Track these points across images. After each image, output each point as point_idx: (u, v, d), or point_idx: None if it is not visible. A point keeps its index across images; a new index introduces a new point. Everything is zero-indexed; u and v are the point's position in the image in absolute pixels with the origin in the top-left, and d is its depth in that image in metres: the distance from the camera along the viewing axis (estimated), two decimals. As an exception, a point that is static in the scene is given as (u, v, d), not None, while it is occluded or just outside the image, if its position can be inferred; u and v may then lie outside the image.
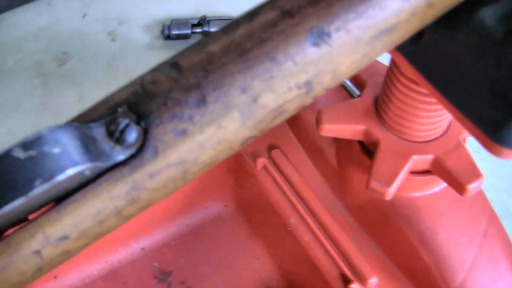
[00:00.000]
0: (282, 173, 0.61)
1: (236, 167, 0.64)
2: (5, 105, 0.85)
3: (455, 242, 0.53)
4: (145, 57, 0.90)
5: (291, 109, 0.35)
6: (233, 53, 0.33)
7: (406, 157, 0.51)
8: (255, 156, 0.62)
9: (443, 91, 0.39)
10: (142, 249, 0.67)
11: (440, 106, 0.48)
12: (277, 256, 0.65)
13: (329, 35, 0.33)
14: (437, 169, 0.51)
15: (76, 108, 0.84)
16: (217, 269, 0.66)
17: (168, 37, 0.90)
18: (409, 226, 0.54)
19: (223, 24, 0.89)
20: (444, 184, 0.54)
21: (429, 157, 0.51)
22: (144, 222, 0.66)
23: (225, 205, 0.69)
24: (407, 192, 0.54)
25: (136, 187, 0.34)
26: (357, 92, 0.60)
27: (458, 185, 0.50)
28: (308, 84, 0.34)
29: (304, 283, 0.61)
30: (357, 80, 0.58)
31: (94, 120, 0.34)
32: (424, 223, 0.54)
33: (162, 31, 0.91)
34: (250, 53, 0.33)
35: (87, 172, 0.32)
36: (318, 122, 0.53)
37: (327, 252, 0.57)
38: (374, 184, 0.50)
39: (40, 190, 0.31)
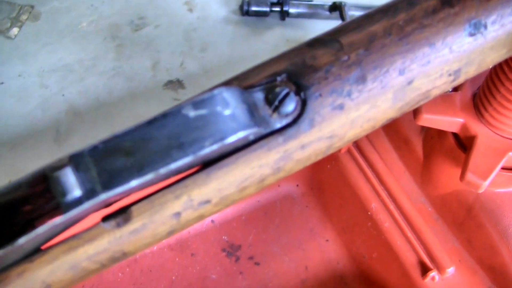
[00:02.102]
0: (365, 158, 0.63)
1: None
2: (79, 66, 0.87)
3: (537, 240, 0.56)
4: (221, 30, 0.92)
5: (434, 94, 0.38)
6: (394, 35, 0.35)
7: (502, 153, 0.53)
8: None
9: None
10: (212, 221, 0.70)
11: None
12: (348, 239, 0.67)
13: (485, 27, 0.36)
14: (530, 167, 0.54)
15: (149, 75, 0.86)
16: (286, 248, 0.69)
17: (246, 13, 0.92)
18: (492, 220, 0.56)
19: (302, 6, 0.92)
20: (532, 184, 0.56)
21: (524, 155, 0.53)
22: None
23: (297, 185, 0.71)
24: (494, 187, 0.56)
25: (286, 157, 0.36)
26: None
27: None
28: (457, 73, 0.37)
29: (376, 268, 0.64)
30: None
31: (253, 86, 0.36)
32: (508, 219, 0.56)
33: (241, 7, 0.93)
34: (410, 37, 0.35)
35: (251, 137, 0.34)
36: (416, 111, 0.55)
37: (407, 239, 0.59)
38: (470, 177, 0.52)
39: (209, 150, 0.32)
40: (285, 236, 0.69)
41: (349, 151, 0.64)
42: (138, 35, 0.90)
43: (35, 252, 0.34)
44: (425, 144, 0.61)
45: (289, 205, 0.71)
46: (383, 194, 0.62)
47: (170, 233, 0.37)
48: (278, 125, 0.35)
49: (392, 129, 0.64)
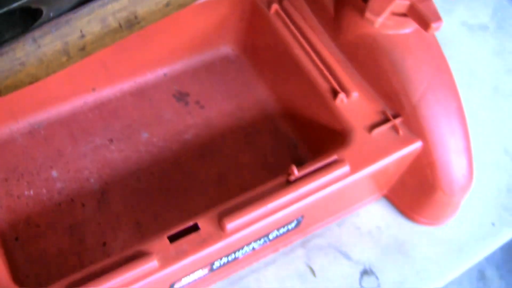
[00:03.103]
0: (290, 17, 0.83)
1: (250, 13, 0.85)
2: None
3: (416, 69, 0.77)
4: None
5: None
6: None
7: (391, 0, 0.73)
8: (268, 3, 0.84)
9: None
10: (165, 74, 0.88)
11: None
12: (276, 85, 0.87)
13: None
14: (411, 12, 0.74)
15: None
16: (224, 95, 0.88)
17: None
18: (386, 56, 0.77)
19: None
20: (413, 27, 0.77)
21: (407, 2, 0.73)
22: (168, 52, 0.86)
23: (232, 49, 0.91)
24: (387, 30, 0.76)
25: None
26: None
27: (424, 24, 0.72)
28: None
29: (299, 103, 0.83)
30: None
31: None
32: (396, 54, 0.77)
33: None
34: None
35: None
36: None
37: (322, 73, 0.79)
38: (369, 15, 0.72)
39: None
40: (224, 86, 0.88)
41: (276, 12, 0.83)
42: None
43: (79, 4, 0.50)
44: (335, 2, 0.81)
45: (226, 64, 0.90)
46: (304, 43, 0.81)
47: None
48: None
49: (308, -5, 0.84)
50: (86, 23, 0.51)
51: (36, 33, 0.50)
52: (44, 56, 0.51)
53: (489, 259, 2.05)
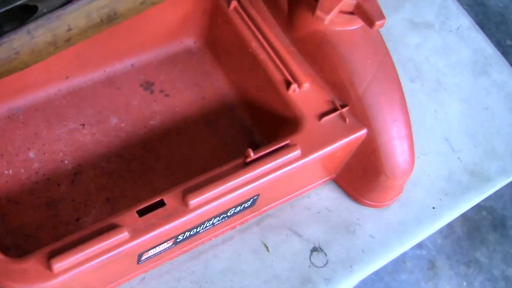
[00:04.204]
0: (247, 14, 0.91)
1: (211, 8, 0.94)
2: None
3: (362, 62, 0.86)
4: None
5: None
6: None
7: (340, -1, 0.82)
8: (228, 1, 0.92)
9: None
10: (132, 65, 0.96)
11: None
12: (234, 77, 0.96)
13: None
14: (357, 10, 0.83)
15: None
16: (187, 85, 0.96)
17: None
18: (334, 50, 0.86)
19: None
20: (359, 25, 0.86)
21: (354, 1, 0.82)
22: (135, 44, 0.94)
23: (195, 42, 0.99)
24: (336, 27, 0.85)
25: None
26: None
27: (369, 21, 0.81)
28: None
29: (255, 93, 0.92)
30: None
31: None
32: (344, 48, 0.86)
33: None
34: None
35: None
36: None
37: (276, 65, 0.88)
38: (319, 13, 0.81)
39: None
40: (186, 76, 0.96)
41: (235, 8, 0.92)
42: None
43: (68, 2, 0.58)
44: (288, 1, 0.90)
45: (188, 56, 0.98)
46: (261, 38, 0.90)
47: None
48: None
49: (265, -6, 0.93)
50: (73, 18, 0.60)
51: (31, 26, 0.58)
52: (36, 46, 0.60)
53: (439, 249, 2.17)
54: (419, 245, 2.12)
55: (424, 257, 2.15)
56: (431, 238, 2.15)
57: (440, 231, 2.14)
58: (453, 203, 1.00)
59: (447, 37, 1.19)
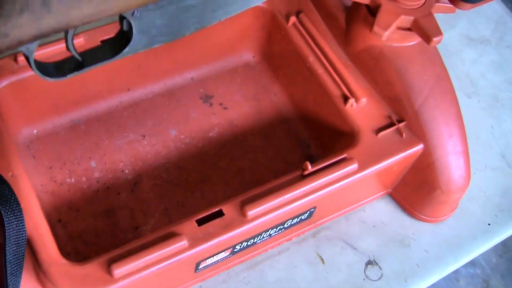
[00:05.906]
0: (305, 29, 0.94)
1: (270, 24, 0.97)
2: None
3: (419, 78, 0.87)
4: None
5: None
6: None
7: (397, 15, 0.84)
8: (287, 16, 0.95)
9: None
10: (192, 78, 0.99)
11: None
12: (291, 90, 0.98)
13: None
14: (415, 26, 0.85)
15: None
16: (245, 98, 0.99)
17: None
18: (391, 64, 0.88)
19: None
20: (416, 41, 0.88)
21: (411, 18, 0.84)
22: (195, 58, 0.98)
23: (253, 56, 1.02)
24: (393, 42, 0.87)
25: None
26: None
27: (427, 37, 0.83)
28: None
29: (311, 106, 0.94)
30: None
31: None
32: (401, 63, 0.87)
33: None
34: None
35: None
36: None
37: (333, 80, 0.90)
38: (376, 29, 0.83)
39: None
40: (244, 90, 0.99)
41: (294, 24, 0.94)
42: None
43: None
44: (346, 17, 0.92)
45: (247, 70, 1.01)
46: (318, 53, 0.92)
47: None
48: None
49: (322, 9, 0.95)
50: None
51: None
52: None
53: (494, 268, 2.15)
54: (473, 264, 2.11)
55: (478, 276, 2.13)
56: (485, 256, 2.13)
57: (495, 249, 2.12)
58: (509, 219, 1.00)
59: (504, 53, 1.19)
